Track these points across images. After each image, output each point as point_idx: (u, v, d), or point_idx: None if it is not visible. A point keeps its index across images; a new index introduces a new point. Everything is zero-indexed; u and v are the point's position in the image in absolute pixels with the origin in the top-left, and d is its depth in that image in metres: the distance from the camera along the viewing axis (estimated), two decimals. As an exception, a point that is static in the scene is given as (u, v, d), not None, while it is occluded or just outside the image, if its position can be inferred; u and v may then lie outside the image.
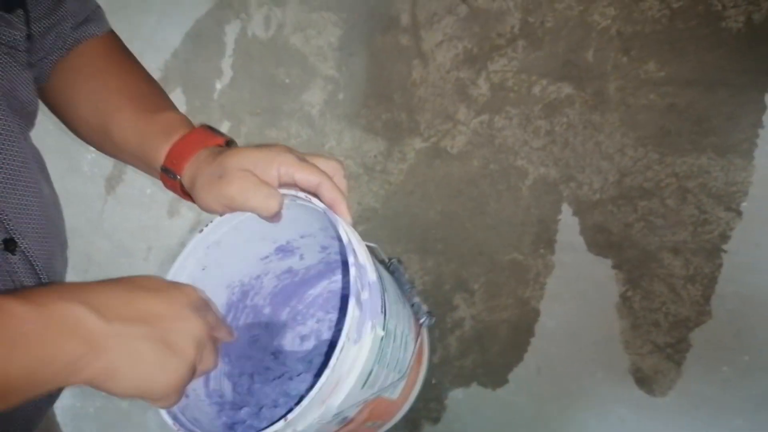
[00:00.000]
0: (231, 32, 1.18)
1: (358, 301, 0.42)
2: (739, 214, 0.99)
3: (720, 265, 1.02)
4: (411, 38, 1.09)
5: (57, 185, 0.56)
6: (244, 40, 1.17)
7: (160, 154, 0.51)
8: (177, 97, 1.24)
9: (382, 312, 0.45)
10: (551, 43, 1.03)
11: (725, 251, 1.00)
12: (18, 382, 0.35)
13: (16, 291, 0.40)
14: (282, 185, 0.47)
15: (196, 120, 1.19)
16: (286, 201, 0.46)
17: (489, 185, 1.11)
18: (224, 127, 1.23)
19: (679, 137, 1.00)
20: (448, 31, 1.07)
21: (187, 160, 0.50)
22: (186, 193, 0.52)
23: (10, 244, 0.47)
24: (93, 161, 1.28)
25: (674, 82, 0.98)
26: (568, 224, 1.09)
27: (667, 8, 0.96)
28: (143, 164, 0.54)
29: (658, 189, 1.02)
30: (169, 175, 0.51)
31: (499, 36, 1.05)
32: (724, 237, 1.00)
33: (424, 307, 0.53)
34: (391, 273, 0.54)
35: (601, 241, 1.08)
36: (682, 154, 1.00)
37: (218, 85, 1.21)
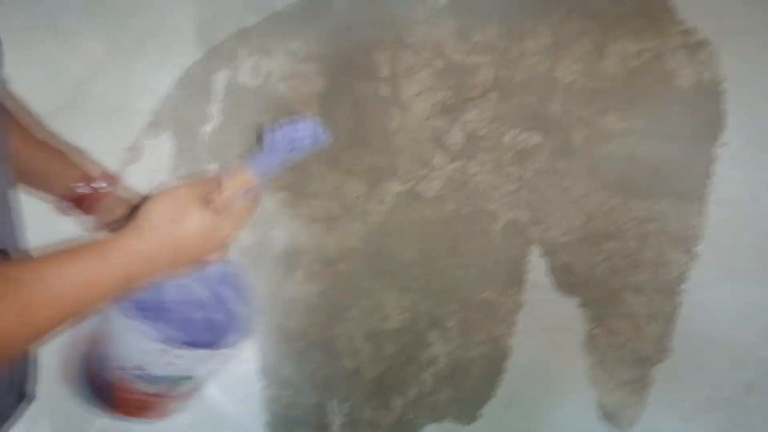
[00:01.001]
0: (221, 79, 1.24)
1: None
2: (696, 256, 1.05)
3: (679, 304, 1.08)
4: (390, 88, 1.16)
5: None
6: (233, 87, 1.23)
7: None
8: (167, 140, 1.30)
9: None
10: (521, 96, 1.11)
11: (684, 291, 1.07)
12: (95, 302, 0.51)
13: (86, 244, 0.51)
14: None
15: (185, 161, 1.25)
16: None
17: (463, 227, 1.17)
18: (214, 168, 1.29)
19: (639, 184, 1.07)
20: (425, 83, 1.14)
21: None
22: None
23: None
24: None
25: (633, 133, 1.06)
26: (537, 265, 1.15)
27: (625, 67, 1.05)
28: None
29: (620, 232, 1.09)
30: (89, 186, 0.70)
31: (473, 88, 1.12)
32: (683, 277, 1.07)
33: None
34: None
35: (568, 280, 1.14)
36: (642, 199, 1.07)
37: (207, 129, 1.27)
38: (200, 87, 1.28)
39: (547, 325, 1.16)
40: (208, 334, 0.64)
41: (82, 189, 0.72)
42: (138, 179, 1.29)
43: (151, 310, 0.61)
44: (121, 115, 1.30)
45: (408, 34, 1.15)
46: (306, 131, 0.71)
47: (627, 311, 1.11)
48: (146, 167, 1.30)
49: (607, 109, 1.07)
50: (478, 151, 1.15)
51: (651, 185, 1.06)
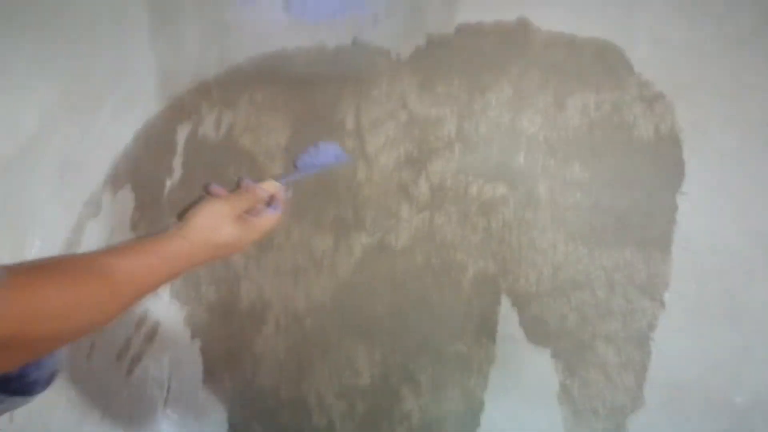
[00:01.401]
0: (182, 132, 1.22)
1: None
2: (663, 304, 1.05)
3: (649, 353, 1.07)
4: (356, 140, 1.15)
5: None
6: (195, 140, 1.21)
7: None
8: (126, 194, 1.26)
9: None
10: (485, 147, 1.11)
11: (653, 339, 1.06)
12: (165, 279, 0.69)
13: (149, 244, 0.69)
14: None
15: (146, 216, 1.21)
16: None
17: (432, 279, 1.15)
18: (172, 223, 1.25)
19: (605, 233, 1.07)
20: (390, 135, 1.13)
21: None
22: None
23: None
24: None
25: (596, 183, 1.06)
26: (508, 316, 1.13)
27: (586, 117, 1.06)
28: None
29: (588, 281, 1.08)
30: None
31: (437, 139, 1.12)
32: (652, 326, 1.06)
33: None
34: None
35: (539, 331, 1.12)
36: (607, 248, 1.07)
37: (168, 183, 1.23)
38: (161, 140, 1.26)
39: (520, 378, 1.14)
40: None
41: None
42: (97, 234, 1.25)
43: None
44: (78, 168, 1.26)
45: (372, 87, 1.15)
46: (328, 150, 0.95)
47: (598, 361, 1.10)
48: (105, 222, 1.26)
49: (570, 159, 1.07)
50: (445, 202, 1.14)
51: (616, 234, 1.06)
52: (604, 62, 1.04)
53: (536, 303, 1.11)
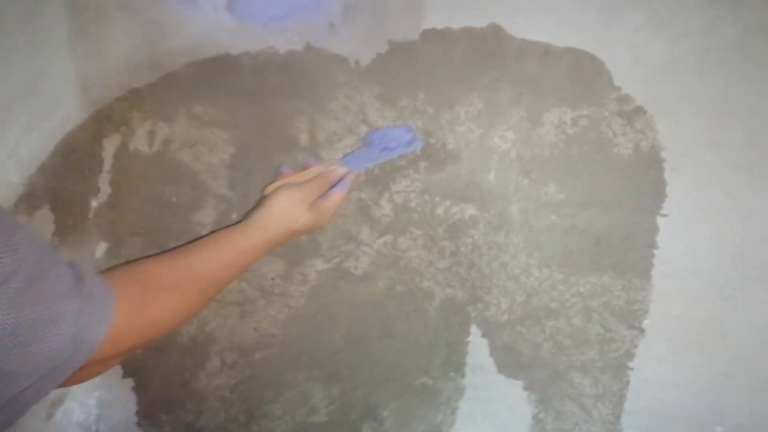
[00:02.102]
0: (109, 146, 1.07)
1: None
2: (642, 331, 0.99)
3: (627, 383, 1.01)
4: (310, 157, 1.03)
5: None
6: (125, 156, 1.06)
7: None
8: (45, 216, 1.10)
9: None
10: (453, 165, 1.01)
11: (631, 368, 1.00)
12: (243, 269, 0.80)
13: (231, 240, 0.79)
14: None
15: (68, 241, 1.05)
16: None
17: (396, 307, 1.05)
18: (101, 249, 1.10)
19: (581, 257, 1.00)
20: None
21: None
22: None
23: None
24: None
25: (572, 203, 0.99)
26: (478, 346, 1.05)
27: (562, 134, 0.98)
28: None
29: (564, 309, 1.01)
30: None
31: (401, 157, 1.02)
32: (630, 354, 1.00)
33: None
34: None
35: (511, 361, 1.05)
36: (584, 273, 1.00)
37: (94, 203, 1.08)
38: (85, 154, 1.10)
39: (491, 410, 1.06)
40: None
41: None
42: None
43: None
44: (-13, 187, 1.09)
45: (327, 99, 1.03)
46: (400, 135, 0.96)
47: (574, 392, 1.03)
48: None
49: (545, 178, 0.99)
50: (409, 225, 1.04)
51: (593, 258, 0.99)
52: (581, 74, 0.96)
53: (508, 332, 1.03)
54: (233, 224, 0.84)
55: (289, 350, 1.09)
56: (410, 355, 1.06)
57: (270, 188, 0.93)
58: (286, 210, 0.83)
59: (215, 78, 1.05)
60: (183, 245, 0.76)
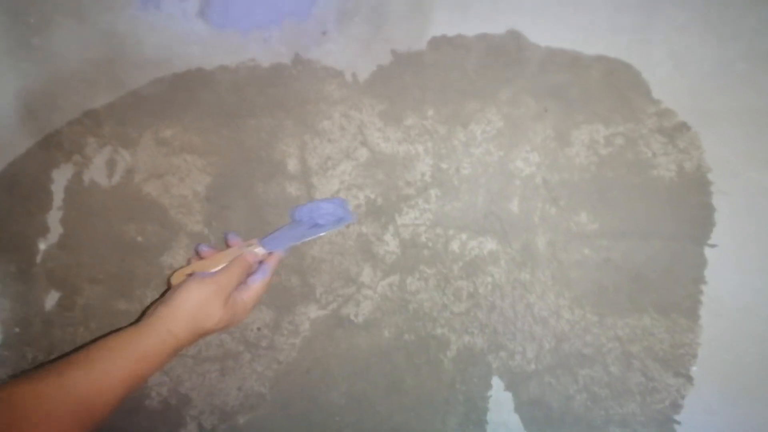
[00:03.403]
0: (60, 178, 0.89)
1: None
2: (690, 379, 0.86)
3: (674, 438, 0.87)
4: (301, 186, 0.88)
5: None
6: (80, 189, 0.89)
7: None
8: (-18, 263, 0.91)
9: None
10: (469, 193, 0.86)
11: (678, 422, 0.87)
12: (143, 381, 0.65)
13: (135, 350, 0.65)
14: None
15: (11, 290, 0.86)
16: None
17: (404, 359, 0.90)
18: (52, 298, 0.92)
19: (618, 295, 0.86)
20: (345, 179, 0.87)
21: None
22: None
23: None
24: None
25: (607, 234, 0.85)
26: (500, 401, 0.90)
27: (594, 155, 0.84)
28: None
29: (599, 355, 0.87)
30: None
31: (408, 184, 0.87)
32: (676, 406, 0.87)
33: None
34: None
35: (539, 417, 0.90)
36: (622, 314, 0.86)
37: (42, 246, 0.90)
38: (31, 188, 0.92)
39: (517, 476, 0.90)
40: None
41: None
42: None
43: None
44: None
45: (320, 118, 0.87)
46: (331, 210, 0.84)
47: (614, 452, 0.88)
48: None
49: (575, 206, 0.85)
50: (419, 263, 0.89)
51: (632, 296, 0.85)
52: (615, 86, 0.83)
53: (535, 383, 0.88)
54: (129, 326, 0.69)
55: (279, 412, 0.93)
56: (422, 414, 0.91)
57: (177, 276, 0.78)
58: (197, 308, 0.71)
59: (186, 97, 0.88)
60: (62, 358, 0.61)
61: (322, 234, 0.85)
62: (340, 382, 0.93)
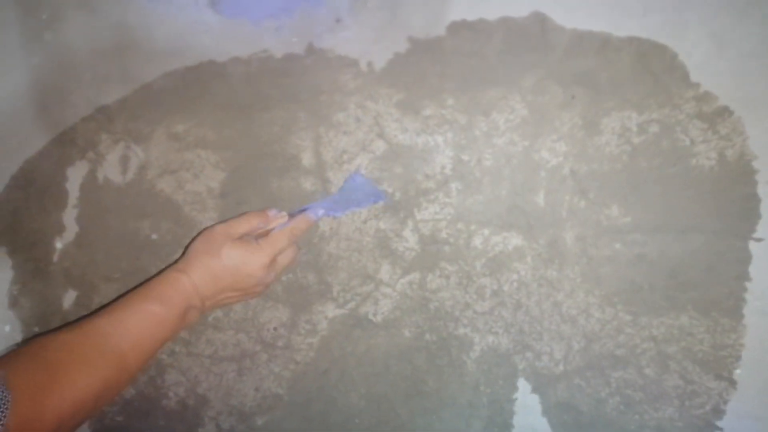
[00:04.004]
0: (75, 176, 0.88)
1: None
2: (733, 383, 0.80)
3: (715, 446, 0.81)
4: (316, 181, 0.84)
5: None
6: (94, 186, 0.87)
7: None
8: (1, 261, 0.90)
9: None
10: (492, 185, 0.82)
11: (720, 428, 0.81)
12: (160, 348, 0.66)
13: (146, 290, 0.67)
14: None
15: (29, 288, 0.85)
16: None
17: (425, 360, 0.86)
18: (70, 297, 0.91)
19: (653, 293, 0.80)
20: (362, 172, 0.83)
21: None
22: None
23: None
24: None
25: (641, 228, 0.79)
26: (527, 404, 0.86)
27: (627, 143, 0.78)
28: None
29: (633, 356, 0.81)
30: None
31: (427, 177, 0.82)
32: (717, 411, 0.81)
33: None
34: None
35: (568, 421, 0.85)
36: (658, 313, 0.80)
37: (59, 244, 0.89)
38: (46, 187, 0.91)
39: (545, 484, 0.85)
40: None
41: None
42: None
43: None
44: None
45: (335, 110, 0.84)
46: (362, 188, 0.82)
47: (649, 459, 0.82)
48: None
49: (606, 198, 0.80)
50: (440, 260, 0.84)
51: (669, 294, 0.79)
52: (649, 70, 0.77)
53: (564, 386, 0.83)
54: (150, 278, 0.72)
55: (297, 413, 0.90)
56: (444, 418, 0.87)
57: None
58: (203, 244, 0.71)
59: (198, 90, 0.86)
60: (94, 312, 0.66)
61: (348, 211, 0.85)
62: (359, 383, 0.89)
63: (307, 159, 0.86)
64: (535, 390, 0.86)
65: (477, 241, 0.84)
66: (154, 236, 0.91)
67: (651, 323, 0.82)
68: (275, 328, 0.91)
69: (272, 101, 0.85)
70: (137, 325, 0.63)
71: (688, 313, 0.81)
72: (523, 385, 0.86)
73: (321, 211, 0.80)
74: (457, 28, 0.82)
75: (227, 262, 0.70)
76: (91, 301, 0.94)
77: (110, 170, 0.90)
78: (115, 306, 0.65)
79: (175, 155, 0.88)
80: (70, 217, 0.91)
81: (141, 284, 0.70)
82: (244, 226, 0.74)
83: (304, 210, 0.81)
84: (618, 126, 0.80)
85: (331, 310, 0.89)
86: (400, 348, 0.88)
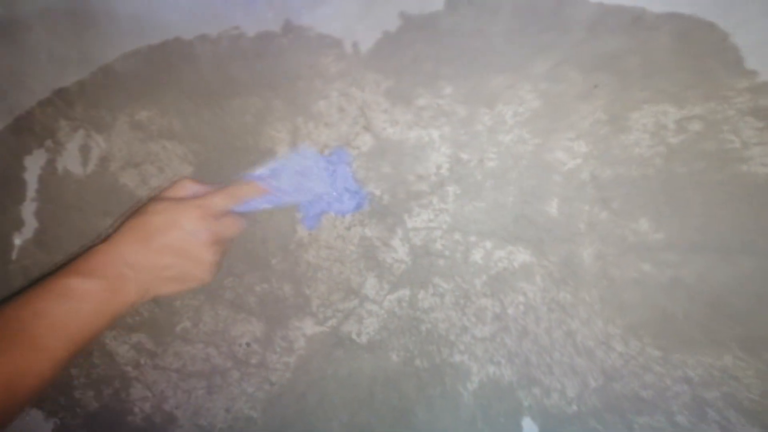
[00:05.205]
0: (33, 166, 0.79)
1: None
2: (784, 437, 0.64)
3: None
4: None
5: None
6: (54, 179, 0.77)
7: None
8: (-43, 259, 0.82)
9: None
10: (496, 190, 0.68)
11: (766, 491, 0.65)
12: (96, 334, 0.57)
13: (66, 267, 0.57)
14: None
15: None
16: None
17: (415, 388, 0.73)
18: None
19: (689, 326, 0.66)
20: (350, 160, 0.71)
21: None
22: None
23: None
24: None
25: (676, 246, 0.65)
26: (533, 447, 0.72)
27: (661, 143, 0.63)
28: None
29: (662, 400, 0.68)
30: None
31: (420, 179, 0.70)
32: (764, 470, 0.65)
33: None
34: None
35: (582, 470, 0.71)
36: (695, 350, 0.66)
37: (17, 241, 0.80)
38: (3, 177, 0.82)
39: None
40: None
41: None
42: None
43: None
44: None
45: (315, 97, 0.71)
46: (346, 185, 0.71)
47: None
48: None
49: (634, 210, 0.65)
50: (433, 275, 0.72)
51: (708, 328, 0.65)
52: (691, 54, 0.62)
53: (577, 429, 0.70)
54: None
55: (271, 441, 0.79)
56: (436, 456, 0.75)
57: None
58: (135, 210, 0.64)
59: (163, 72, 0.75)
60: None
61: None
62: (341, 410, 0.78)
63: (283, 153, 0.74)
64: (542, 431, 0.73)
65: (477, 256, 0.71)
66: (117, 236, 0.80)
67: (685, 361, 0.68)
68: (248, 344, 0.80)
69: (244, 87, 0.74)
70: (53, 304, 0.56)
71: (733, 352, 0.66)
72: (528, 425, 0.74)
73: (276, 183, 0.68)
74: (457, 3, 0.68)
75: (154, 217, 0.61)
76: (52, 305, 0.85)
77: (70, 161, 0.80)
78: (31, 287, 0.58)
79: (138, 146, 0.77)
80: (28, 211, 0.82)
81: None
82: (176, 190, 0.66)
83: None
84: (651, 122, 0.65)
85: (310, 327, 0.77)
86: (387, 373, 0.76)
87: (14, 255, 0.85)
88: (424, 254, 0.73)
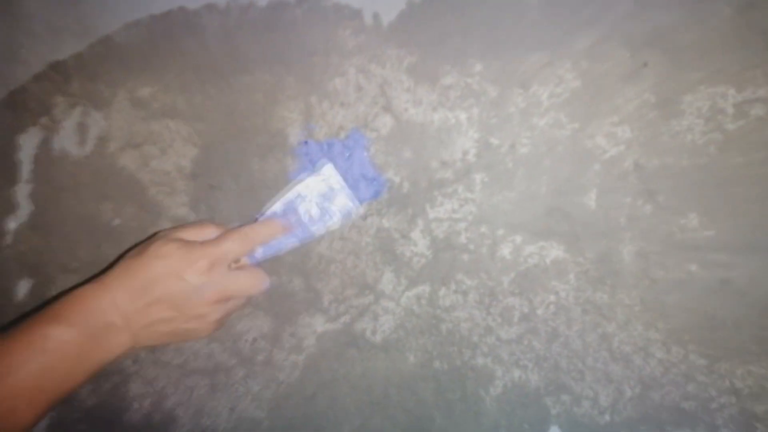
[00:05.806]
0: (27, 145, 0.73)
1: None
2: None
3: None
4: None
5: None
6: (49, 159, 0.72)
7: None
8: (-51, 244, 0.77)
9: None
10: (528, 179, 0.62)
11: None
12: (75, 388, 0.50)
13: (47, 311, 0.50)
14: None
15: None
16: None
17: (433, 392, 0.68)
18: (23, 287, 0.77)
19: (739, 333, 0.59)
20: (366, 143, 0.65)
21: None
22: None
23: None
24: None
25: (728, 246, 0.58)
26: (561, 458, 0.66)
27: (717, 130, 0.56)
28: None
29: (706, 412, 0.62)
30: None
31: (445, 165, 0.63)
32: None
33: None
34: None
35: (614, 485, 0.65)
36: (744, 359, 0.60)
37: (12, 225, 0.75)
38: (-1, 157, 0.77)
39: None
40: None
41: None
42: None
43: None
44: None
45: (331, 74, 0.65)
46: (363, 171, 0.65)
47: None
48: None
49: (681, 204, 0.59)
50: (456, 271, 0.65)
51: (760, 337, 0.58)
52: (756, 28, 0.55)
53: (610, 441, 0.63)
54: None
55: (277, 444, 0.74)
56: (455, 465, 0.69)
57: None
58: (136, 248, 0.57)
59: (166, 45, 0.69)
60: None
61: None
62: (352, 413, 0.72)
63: (294, 135, 0.68)
64: (571, 442, 0.67)
65: (505, 251, 0.65)
66: (116, 221, 0.75)
67: (733, 371, 0.61)
68: (254, 339, 0.74)
69: (254, 62, 0.67)
70: (28, 358, 0.49)
71: (787, 362, 0.59)
72: (556, 435, 0.67)
73: (297, 215, 0.61)
74: (491, -32, 0.61)
75: (155, 262, 0.54)
76: (47, 294, 0.80)
77: (67, 140, 0.74)
78: (9, 333, 0.50)
79: (139, 125, 0.71)
80: (23, 193, 0.77)
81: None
82: (192, 232, 0.58)
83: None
84: (706, 106, 0.58)
85: (321, 324, 0.71)
86: (403, 375, 0.70)
87: (8, 240, 0.80)
88: (446, 248, 0.67)
